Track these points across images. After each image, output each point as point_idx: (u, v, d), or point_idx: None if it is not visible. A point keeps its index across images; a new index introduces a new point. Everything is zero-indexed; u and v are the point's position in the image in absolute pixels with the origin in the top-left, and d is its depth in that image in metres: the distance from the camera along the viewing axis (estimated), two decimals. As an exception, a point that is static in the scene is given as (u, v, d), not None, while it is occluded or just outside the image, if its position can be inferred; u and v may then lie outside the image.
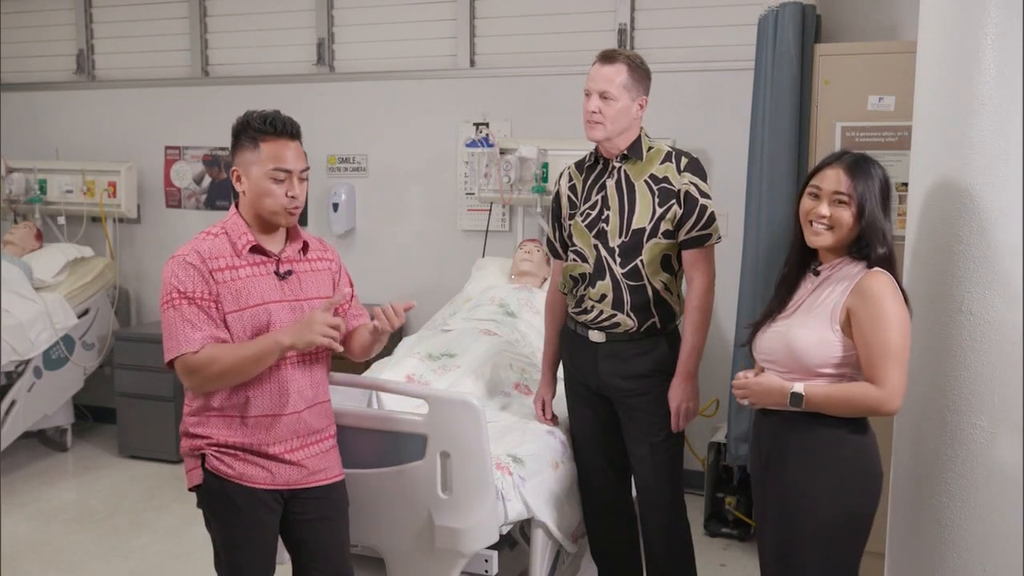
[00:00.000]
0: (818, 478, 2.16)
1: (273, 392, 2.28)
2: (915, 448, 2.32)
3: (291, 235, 2.39)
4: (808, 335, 2.16)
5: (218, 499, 2.30)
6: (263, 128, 2.26)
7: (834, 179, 2.18)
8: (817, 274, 2.24)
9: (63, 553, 3.84)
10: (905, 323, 2.10)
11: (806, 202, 2.22)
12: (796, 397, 2.13)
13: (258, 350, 2.21)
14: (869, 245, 2.15)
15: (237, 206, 2.34)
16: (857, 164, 2.18)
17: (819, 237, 2.20)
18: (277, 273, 2.32)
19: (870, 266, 2.16)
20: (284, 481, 2.32)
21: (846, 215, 2.16)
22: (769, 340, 2.25)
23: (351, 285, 2.52)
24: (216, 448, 2.27)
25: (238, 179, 2.29)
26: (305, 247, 2.40)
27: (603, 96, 2.70)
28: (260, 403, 2.28)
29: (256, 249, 2.30)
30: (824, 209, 2.18)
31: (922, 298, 2.29)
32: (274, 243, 2.34)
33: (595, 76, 2.73)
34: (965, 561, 2.22)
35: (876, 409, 2.11)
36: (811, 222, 2.20)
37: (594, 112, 2.71)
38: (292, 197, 2.27)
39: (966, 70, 2.18)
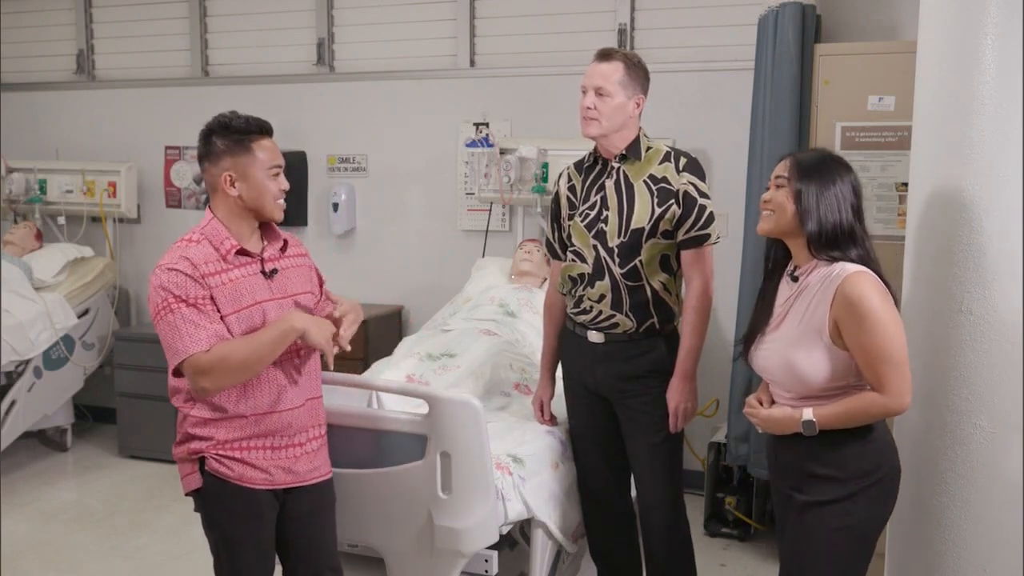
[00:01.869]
0: (832, 491, 2.13)
1: (272, 390, 2.30)
2: (915, 448, 2.32)
3: (268, 234, 2.41)
4: (805, 357, 2.11)
5: (219, 501, 2.30)
6: (248, 129, 2.29)
7: (779, 167, 2.19)
8: (795, 279, 2.19)
9: (63, 553, 3.84)
10: (894, 321, 2.06)
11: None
12: (808, 425, 2.11)
13: (274, 335, 2.23)
14: (820, 239, 2.11)
15: (211, 210, 2.34)
16: (812, 159, 2.17)
17: (762, 222, 2.20)
18: (263, 272, 2.34)
19: (830, 259, 2.12)
20: (282, 480, 2.33)
21: (780, 196, 2.15)
22: (766, 359, 2.21)
23: (320, 278, 2.55)
24: (218, 450, 2.27)
25: (231, 183, 2.29)
26: (285, 245, 2.44)
27: (598, 92, 2.70)
28: (258, 401, 2.28)
29: (240, 252, 2.31)
30: (770, 192, 2.18)
31: (922, 298, 2.29)
32: (253, 244, 2.36)
33: (591, 73, 2.73)
34: (965, 561, 2.22)
35: (886, 414, 2.09)
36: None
37: (589, 108, 2.72)
38: (284, 190, 2.35)
39: (966, 70, 2.18)
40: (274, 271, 2.36)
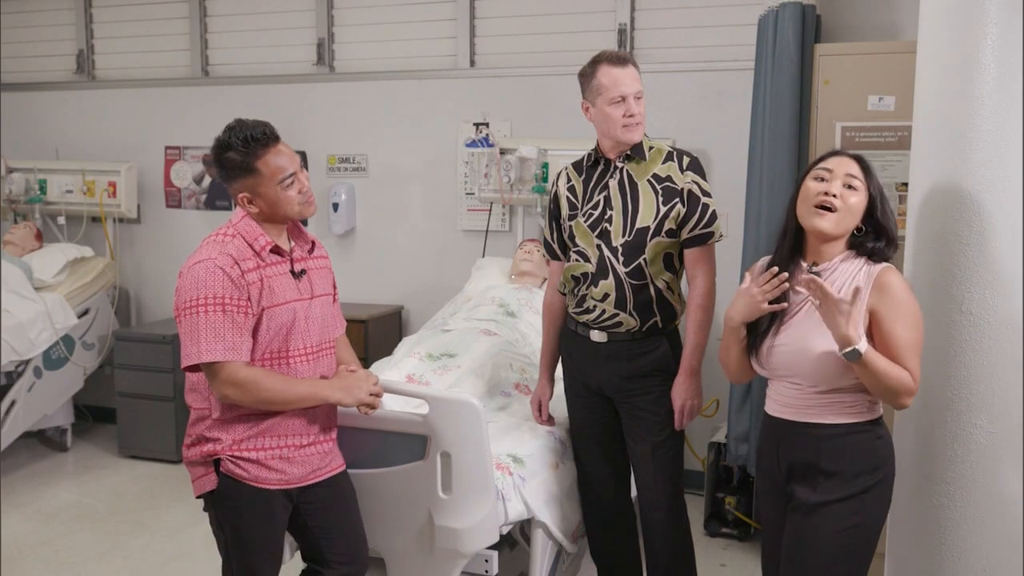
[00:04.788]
0: (841, 488, 2.11)
1: None
2: (915, 448, 2.32)
3: (294, 234, 2.42)
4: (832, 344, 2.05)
5: (233, 502, 2.31)
6: (250, 147, 2.24)
7: (845, 164, 2.15)
8: (816, 275, 2.14)
9: (63, 553, 3.84)
10: (921, 318, 2.09)
11: (812, 185, 2.14)
12: (854, 353, 1.98)
13: (304, 395, 2.30)
14: (881, 240, 2.13)
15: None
16: (864, 161, 2.17)
17: (823, 219, 2.10)
18: (292, 272, 2.35)
19: (875, 260, 2.13)
20: (298, 478, 2.35)
21: (854, 200, 2.12)
22: (785, 354, 2.15)
23: (334, 286, 2.56)
24: (233, 451, 2.28)
25: (248, 202, 2.30)
26: (313, 246, 2.46)
27: (637, 97, 2.73)
28: None
29: (274, 249, 2.32)
30: (836, 188, 2.11)
31: (922, 298, 2.28)
32: (283, 242, 2.37)
33: (624, 80, 2.71)
34: (965, 561, 2.23)
35: (906, 395, 2.05)
36: (816, 206, 2.11)
37: (635, 115, 2.72)
38: (303, 192, 2.33)
39: (966, 70, 2.18)
40: (303, 271, 2.38)
